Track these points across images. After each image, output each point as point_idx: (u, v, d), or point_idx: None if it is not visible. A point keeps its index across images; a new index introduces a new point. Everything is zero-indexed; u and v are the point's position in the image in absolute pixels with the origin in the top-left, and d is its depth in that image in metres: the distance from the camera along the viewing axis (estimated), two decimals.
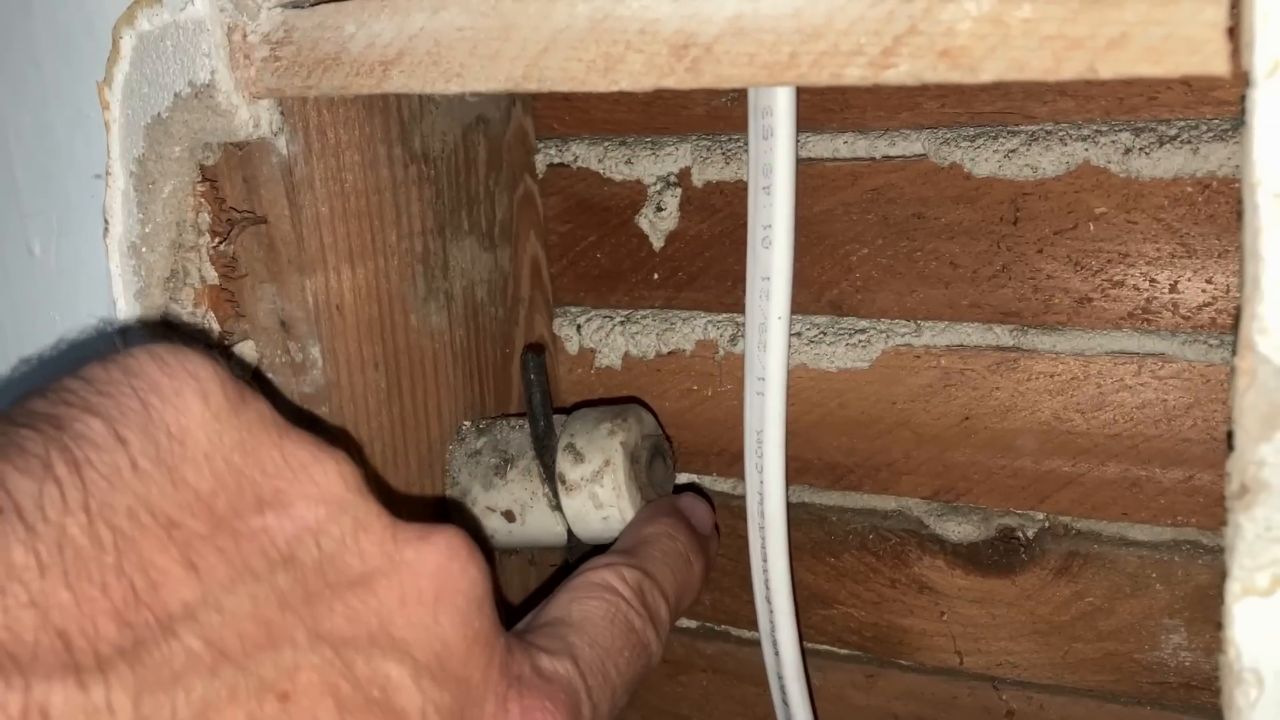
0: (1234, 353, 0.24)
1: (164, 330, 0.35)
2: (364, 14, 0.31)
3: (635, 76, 0.28)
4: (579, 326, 0.48)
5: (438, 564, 0.25)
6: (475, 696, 0.25)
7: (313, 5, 0.31)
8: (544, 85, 0.29)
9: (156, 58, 0.33)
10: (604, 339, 0.48)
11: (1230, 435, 0.24)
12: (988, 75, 0.24)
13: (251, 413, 0.24)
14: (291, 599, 0.22)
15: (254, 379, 0.35)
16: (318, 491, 0.24)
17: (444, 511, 0.41)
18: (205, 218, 0.35)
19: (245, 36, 0.32)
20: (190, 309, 0.35)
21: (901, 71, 0.25)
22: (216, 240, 0.35)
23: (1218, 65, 0.22)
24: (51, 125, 0.35)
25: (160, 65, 0.33)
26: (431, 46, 0.30)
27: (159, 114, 0.33)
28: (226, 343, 0.35)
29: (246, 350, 0.36)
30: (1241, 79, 0.23)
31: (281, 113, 0.33)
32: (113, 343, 0.35)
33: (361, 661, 0.23)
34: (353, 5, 0.31)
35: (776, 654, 0.38)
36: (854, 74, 0.25)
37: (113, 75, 0.34)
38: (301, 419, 0.35)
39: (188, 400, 0.23)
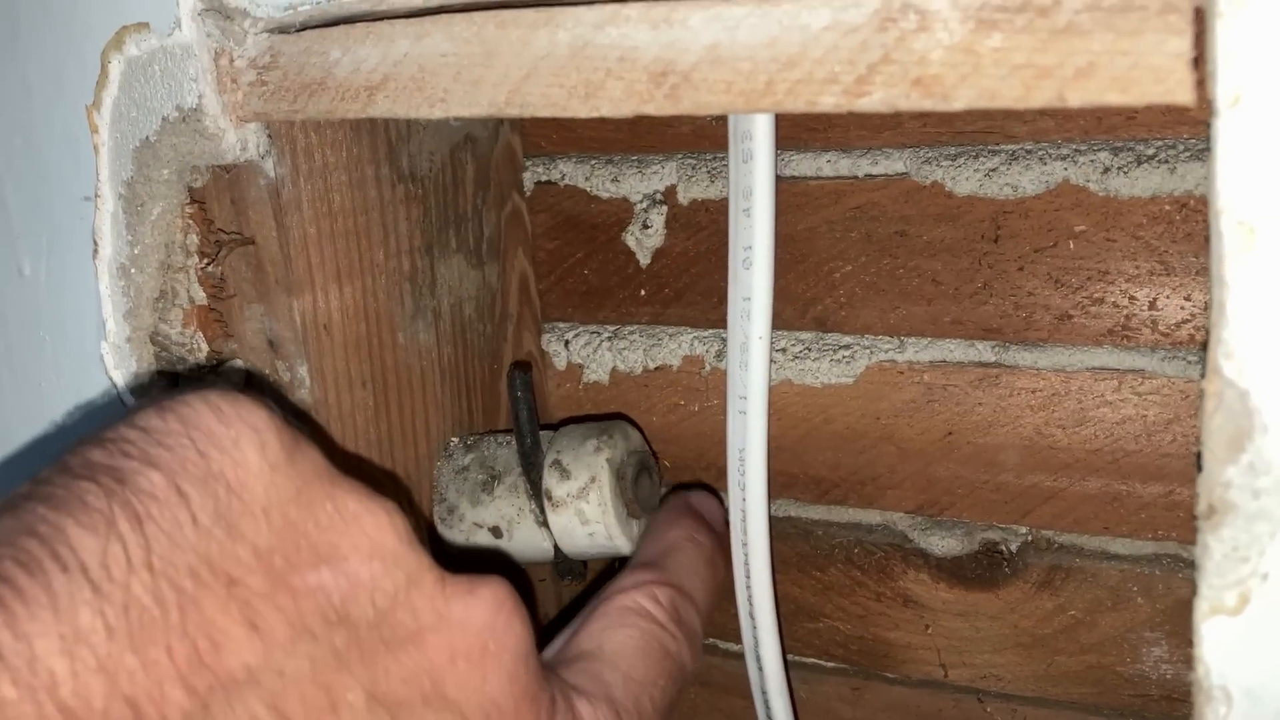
0: (1202, 376, 0.24)
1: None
2: (349, 40, 0.31)
3: (615, 103, 0.28)
4: (567, 342, 0.48)
5: (485, 619, 0.25)
6: None
7: (299, 31, 0.32)
8: (526, 111, 0.29)
9: (144, 82, 0.33)
10: (592, 355, 0.48)
11: (1199, 456, 0.24)
12: (960, 103, 0.25)
13: (306, 462, 0.23)
14: (349, 660, 0.22)
15: (302, 420, 0.35)
16: (370, 545, 0.23)
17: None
18: (194, 239, 0.35)
19: (232, 61, 0.33)
20: (179, 329, 0.36)
21: (875, 99, 0.25)
22: (205, 261, 0.35)
23: (1182, 95, 0.23)
24: (40, 148, 0.36)
25: (148, 90, 0.33)
26: (416, 72, 0.30)
27: (147, 137, 0.34)
28: (216, 362, 0.36)
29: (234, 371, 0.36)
30: (1208, 106, 0.23)
31: (269, 135, 0.34)
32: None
33: None
34: (338, 31, 0.31)
35: (760, 669, 0.38)
36: (829, 101, 0.26)
37: (101, 99, 0.34)
38: (349, 464, 0.34)
39: (245, 452, 0.22)
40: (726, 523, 0.41)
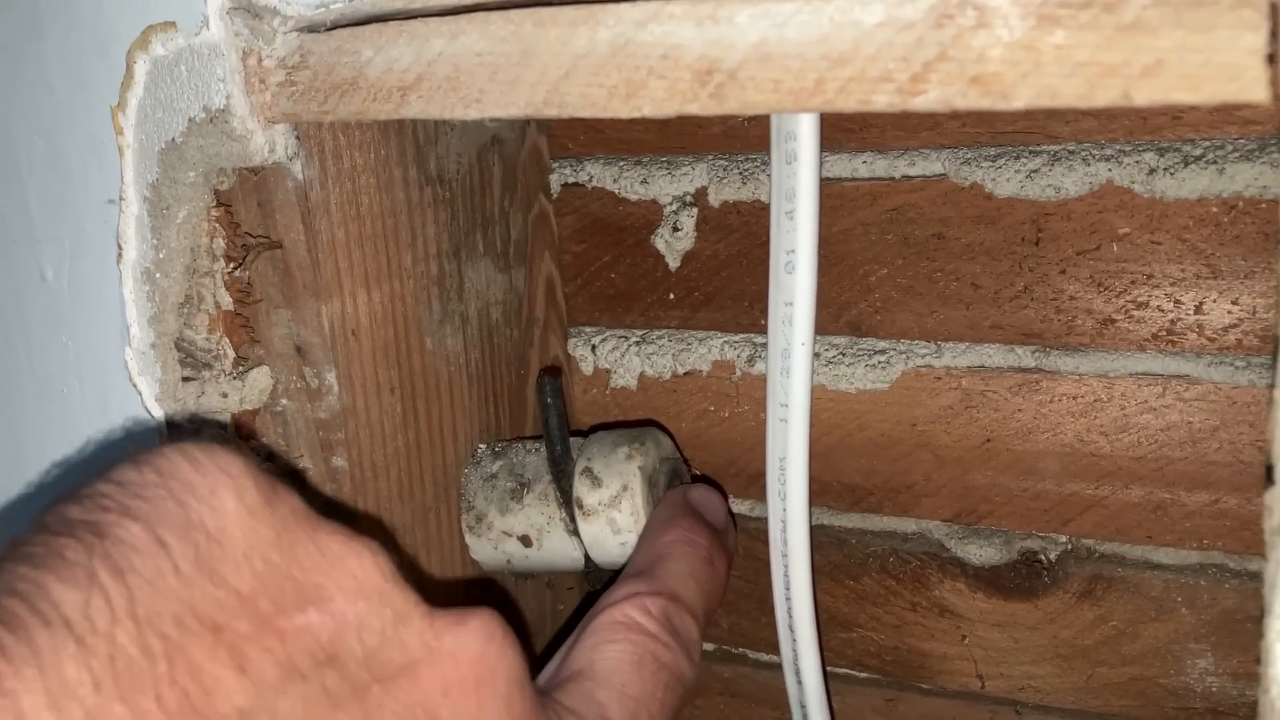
0: (1272, 385, 0.23)
1: (190, 428, 0.34)
2: (381, 39, 0.30)
3: (658, 102, 0.27)
4: (594, 347, 0.48)
5: (477, 650, 0.24)
6: None
7: (329, 30, 0.31)
8: (565, 111, 0.28)
9: (171, 82, 0.33)
10: (619, 359, 0.47)
11: (1270, 469, 0.23)
12: (1020, 102, 0.24)
13: (285, 507, 0.23)
14: (341, 698, 0.22)
15: (285, 473, 0.34)
16: (355, 584, 0.23)
17: (477, 588, 0.40)
18: (220, 243, 0.34)
19: (261, 61, 0.32)
20: (205, 335, 0.35)
21: (931, 98, 0.24)
22: (231, 265, 0.34)
23: (1258, 93, 0.22)
24: (64, 150, 0.35)
25: (175, 90, 0.33)
26: (450, 72, 0.29)
27: (173, 139, 0.33)
28: (241, 369, 0.35)
29: (260, 376, 0.35)
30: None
31: (297, 137, 0.33)
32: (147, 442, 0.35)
33: None
34: (370, 30, 0.30)
35: (799, 682, 0.37)
36: (882, 100, 0.25)
37: (126, 100, 0.33)
38: (330, 509, 0.34)
39: (223, 499, 0.22)
40: (731, 514, 0.40)
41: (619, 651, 0.30)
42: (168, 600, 0.20)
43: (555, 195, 0.47)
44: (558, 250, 0.47)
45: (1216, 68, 0.22)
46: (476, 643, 0.25)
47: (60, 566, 0.20)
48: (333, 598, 0.23)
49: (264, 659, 0.21)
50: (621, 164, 0.45)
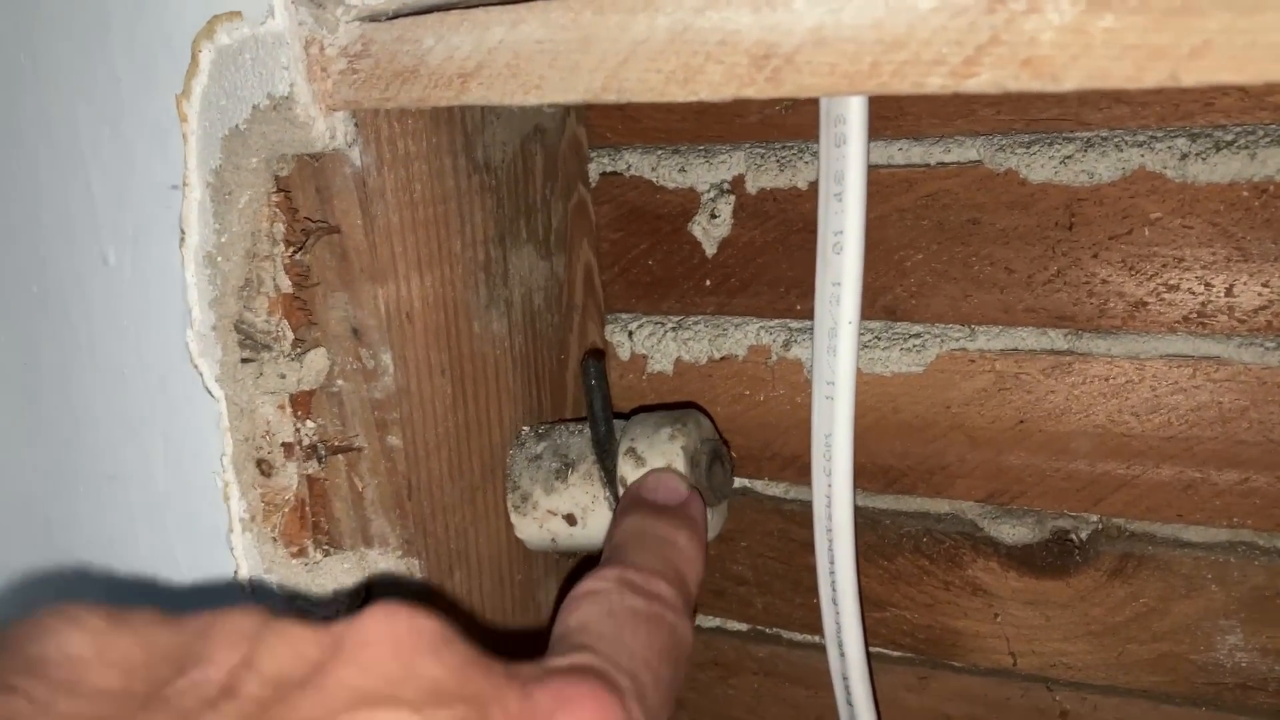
0: None
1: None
2: (442, 27, 0.31)
3: (715, 87, 0.28)
4: (630, 333, 0.49)
5: (380, 628, 0.25)
6: (490, 701, 0.25)
7: (391, 19, 0.32)
8: (623, 97, 0.29)
9: (235, 71, 0.34)
10: (656, 345, 0.48)
11: None
12: (1070, 84, 0.25)
13: (137, 620, 0.25)
14: (250, 715, 0.23)
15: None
16: (231, 636, 0.25)
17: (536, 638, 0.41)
18: (280, 227, 0.35)
19: (323, 50, 0.33)
20: (264, 317, 0.36)
21: (984, 80, 0.25)
22: (291, 249, 0.35)
23: None
24: (128, 138, 0.36)
25: (239, 78, 0.34)
26: (510, 59, 0.30)
27: (237, 125, 0.34)
28: (299, 350, 0.36)
29: (317, 358, 0.36)
30: None
31: (356, 124, 0.34)
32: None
33: None
34: (432, 19, 0.31)
35: (842, 655, 0.38)
36: (935, 83, 0.26)
37: (191, 89, 0.34)
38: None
39: (63, 634, 0.25)
40: (693, 488, 0.40)
41: (586, 609, 0.31)
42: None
43: (594, 184, 0.48)
44: (596, 238, 0.48)
45: (1263, 49, 0.23)
46: (378, 623, 0.25)
47: None
48: (210, 655, 0.25)
49: (159, 715, 0.23)
50: (659, 153, 0.46)
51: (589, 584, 0.32)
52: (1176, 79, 0.24)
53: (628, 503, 0.38)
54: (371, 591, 0.38)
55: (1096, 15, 0.24)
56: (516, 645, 0.42)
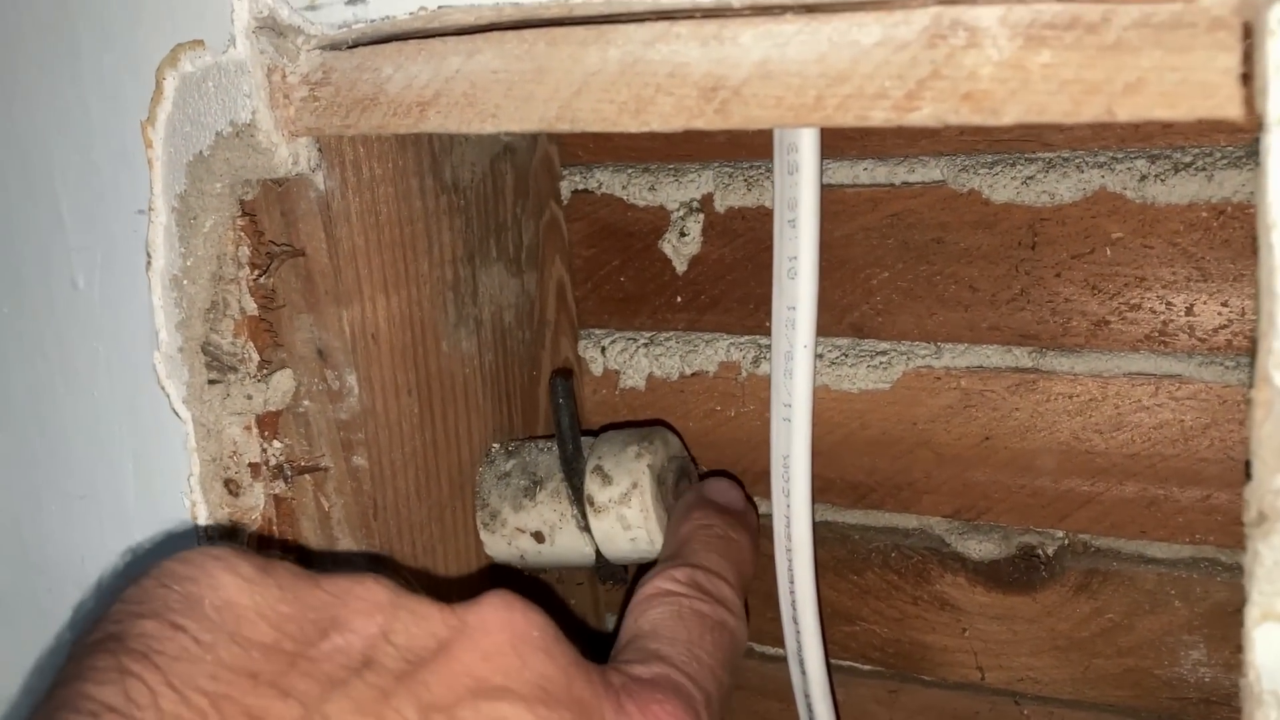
0: (1250, 385, 0.24)
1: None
2: (401, 56, 0.32)
3: (665, 118, 0.28)
4: (603, 349, 0.49)
5: (500, 618, 0.27)
6: (591, 708, 0.27)
7: (351, 48, 0.32)
8: (577, 126, 0.30)
9: (199, 98, 0.34)
10: (628, 361, 0.48)
11: (1248, 465, 0.25)
12: (1009, 118, 0.25)
13: (281, 571, 0.27)
14: (387, 688, 0.25)
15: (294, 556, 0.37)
16: (367, 605, 0.26)
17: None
18: (245, 251, 0.36)
19: (285, 77, 0.33)
20: (230, 339, 0.36)
21: (925, 114, 0.26)
22: (256, 273, 0.36)
23: (1232, 110, 0.23)
24: (96, 163, 0.37)
25: (202, 105, 0.34)
26: (467, 88, 0.31)
27: (201, 152, 0.35)
28: (265, 372, 0.36)
29: (284, 379, 0.37)
30: (1257, 121, 0.23)
31: (319, 149, 0.34)
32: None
33: (473, 714, 0.25)
34: (390, 48, 0.32)
35: (803, 673, 0.39)
36: (878, 116, 0.26)
37: (156, 115, 0.35)
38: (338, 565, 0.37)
39: (218, 577, 0.26)
40: (750, 500, 0.42)
41: (658, 612, 0.33)
42: (199, 665, 0.24)
43: (565, 202, 0.48)
44: (568, 255, 0.48)
45: (1194, 86, 0.23)
46: (498, 612, 0.27)
47: (93, 675, 0.23)
48: (350, 621, 0.26)
49: (303, 682, 0.24)
50: (630, 171, 0.47)
51: (659, 583, 0.34)
52: (1112, 114, 0.24)
53: (694, 500, 0.40)
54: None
55: (1034, 51, 0.25)
56: None
